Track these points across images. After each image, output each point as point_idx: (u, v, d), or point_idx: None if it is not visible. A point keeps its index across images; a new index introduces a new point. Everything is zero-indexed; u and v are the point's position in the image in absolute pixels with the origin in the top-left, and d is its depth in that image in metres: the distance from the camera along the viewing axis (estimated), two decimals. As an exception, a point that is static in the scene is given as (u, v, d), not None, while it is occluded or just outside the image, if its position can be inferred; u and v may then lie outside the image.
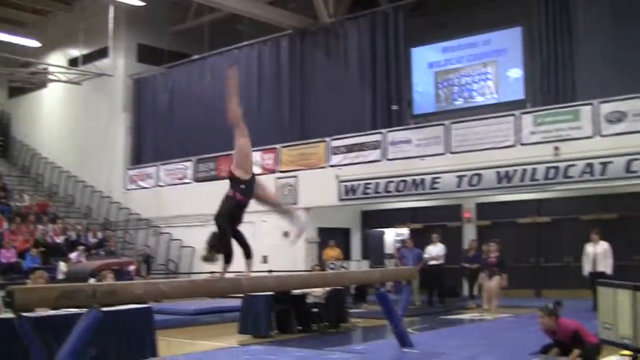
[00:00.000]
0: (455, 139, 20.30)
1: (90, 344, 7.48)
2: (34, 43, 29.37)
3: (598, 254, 16.32)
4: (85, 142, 30.34)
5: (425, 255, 19.54)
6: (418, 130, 21.53)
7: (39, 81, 32.39)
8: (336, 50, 24.31)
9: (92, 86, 29.88)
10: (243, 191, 7.97)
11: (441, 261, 19.55)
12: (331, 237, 22.12)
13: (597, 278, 13.76)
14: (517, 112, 19.61)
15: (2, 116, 35.33)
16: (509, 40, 21.90)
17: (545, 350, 9.43)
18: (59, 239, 24.04)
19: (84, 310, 7.08)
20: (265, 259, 21.32)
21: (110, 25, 27.81)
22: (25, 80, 32.40)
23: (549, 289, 20.07)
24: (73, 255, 21.88)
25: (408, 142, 21.21)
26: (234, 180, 8.01)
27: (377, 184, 21.35)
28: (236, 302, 15.21)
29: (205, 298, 16.87)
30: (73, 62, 30.47)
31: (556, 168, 18.28)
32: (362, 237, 24.88)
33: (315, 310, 14.54)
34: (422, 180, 20.50)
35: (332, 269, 19.57)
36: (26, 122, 34.06)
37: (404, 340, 10.83)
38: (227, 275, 8.24)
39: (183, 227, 25.48)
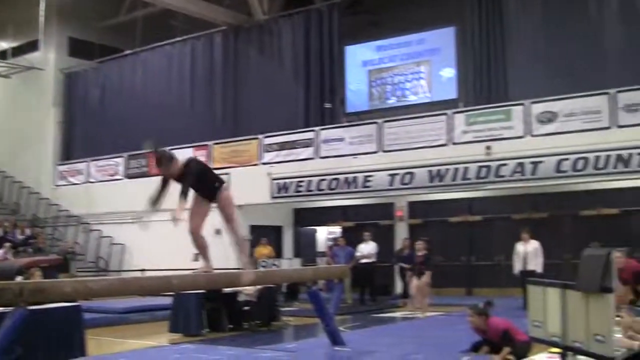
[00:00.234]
0: (388, 137, 20.13)
1: (16, 343, 7.41)
2: (-39, 35, 28.39)
3: (528, 252, 16.32)
4: (14, 137, 29.34)
5: (357, 254, 19.39)
6: (351, 128, 21.38)
7: (-33, 73, 31.33)
8: (270, 47, 24.11)
9: (21, 80, 29.06)
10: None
11: (373, 259, 19.43)
12: (263, 235, 21.90)
13: (527, 276, 13.77)
14: (449, 112, 19.51)
15: None
16: (442, 39, 21.85)
17: (475, 348, 9.35)
18: (-15, 236, 23.13)
19: (11, 309, 6.78)
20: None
21: (41, 18, 26.72)
22: (-48, 72, 31.31)
23: (480, 288, 20.03)
24: (-1, 252, 21.09)
25: (341, 140, 21.00)
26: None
27: (310, 182, 21.10)
28: (167, 301, 14.83)
29: (136, 296, 16.47)
30: (2, 55, 29.51)
31: (488, 167, 18.22)
32: (294, 235, 24.57)
33: (246, 308, 14.31)
34: (355, 179, 20.31)
35: (264, 266, 19.25)
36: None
37: (335, 339, 10.65)
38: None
39: (114, 224, 24.86)
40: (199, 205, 8.47)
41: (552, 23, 19.14)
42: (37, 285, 7.51)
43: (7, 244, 21.73)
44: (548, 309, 6.48)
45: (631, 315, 6.41)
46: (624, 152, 16.37)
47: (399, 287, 19.94)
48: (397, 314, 17.08)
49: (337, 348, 10.54)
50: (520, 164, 17.72)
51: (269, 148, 22.25)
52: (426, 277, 15.96)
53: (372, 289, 19.84)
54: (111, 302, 16.82)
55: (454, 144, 19.04)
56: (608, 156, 16.56)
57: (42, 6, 26.46)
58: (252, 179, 21.61)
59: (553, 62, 18.75)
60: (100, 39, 28.77)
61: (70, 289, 7.43)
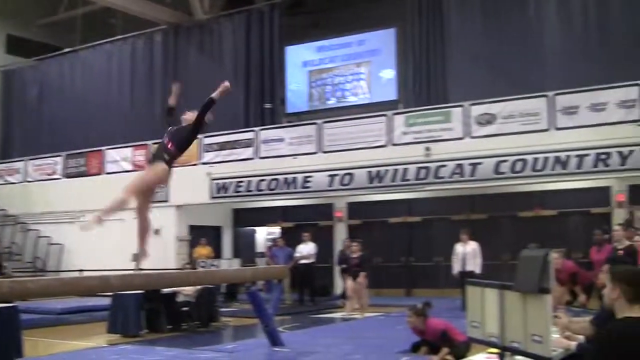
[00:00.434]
0: (328, 138, 19.85)
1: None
2: None
3: (467, 253, 16.22)
4: (-50, 135, 28.42)
5: (297, 254, 19.13)
6: (291, 129, 21.11)
7: None
8: (210, 46, 23.83)
9: (-43, 77, 28.20)
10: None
11: (312, 260, 19.16)
12: (202, 235, 21.51)
13: (466, 277, 13.67)
14: (389, 113, 19.37)
15: None
16: (383, 41, 21.92)
17: (414, 348, 9.48)
18: None
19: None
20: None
21: (-22, 15, 26.26)
22: None
23: (419, 288, 19.89)
24: None
25: (280, 140, 20.65)
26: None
27: (249, 182, 20.71)
28: (105, 301, 14.59)
29: (74, 296, 16.09)
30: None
31: (427, 168, 18.05)
32: (233, 236, 24.10)
33: (185, 309, 14.16)
34: (294, 179, 20.00)
35: (202, 267, 18.97)
36: None
37: (274, 339, 10.70)
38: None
39: (52, 223, 23.97)
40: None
41: (491, 25, 19.17)
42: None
43: (-60, 245, 20.91)
44: (486, 309, 6.45)
45: (568, 316, 6.33)
46: (562, 154, 16.38)
47: (339, 288, 19.62)
48: (337, 315, 16.91)
49: (276, 349, 10.56)
50: (460, 165, 17.59)
51: (209, 148, 21.75)
52: (361, 278, 15.91)
53: (311, 289, 19.61)
54: (49, 302, 16.44)
55: (394, 145, 18.85)
56: (546, 158, 16.54)
57: (-22, 2, 25.84)
58: (192, 179, 21.06)
59: (492, 64, 18.73)
60: (39, 36, 28.17)
61: (6, 289, 7.14)
